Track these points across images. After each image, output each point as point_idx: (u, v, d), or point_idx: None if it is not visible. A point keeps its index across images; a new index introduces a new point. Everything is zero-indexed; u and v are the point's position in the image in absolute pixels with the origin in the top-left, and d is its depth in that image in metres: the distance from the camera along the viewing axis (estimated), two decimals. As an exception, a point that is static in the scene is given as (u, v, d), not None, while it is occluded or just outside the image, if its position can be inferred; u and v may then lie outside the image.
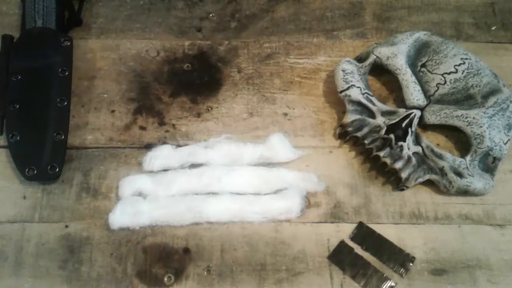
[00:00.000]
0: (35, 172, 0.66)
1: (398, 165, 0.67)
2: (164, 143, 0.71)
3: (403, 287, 0.63)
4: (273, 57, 0.80)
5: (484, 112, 0.67)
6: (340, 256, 0.64)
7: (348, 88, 0.71)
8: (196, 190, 0.67)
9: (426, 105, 0.71)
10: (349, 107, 0.71)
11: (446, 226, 0.67)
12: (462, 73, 0.71)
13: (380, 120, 0.70)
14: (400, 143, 0.68)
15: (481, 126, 0.67)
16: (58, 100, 0.71)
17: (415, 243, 0.66)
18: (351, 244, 0.65)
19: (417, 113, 0.69)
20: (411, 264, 0.64)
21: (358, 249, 0.65)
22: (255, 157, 0.70)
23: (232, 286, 0.62)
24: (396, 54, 0.72)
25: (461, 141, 0.72)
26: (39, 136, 0.68)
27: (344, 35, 0.83)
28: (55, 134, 0.69)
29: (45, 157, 0.67)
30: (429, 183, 0.69)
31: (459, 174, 0.67)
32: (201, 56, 0.80)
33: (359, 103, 0.71)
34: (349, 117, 0.71)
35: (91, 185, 0.68)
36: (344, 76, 0.71)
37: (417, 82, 0.71)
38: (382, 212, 0.68)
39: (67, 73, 0.73)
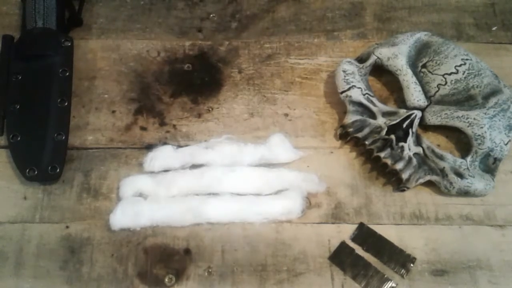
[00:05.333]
0: (36, 172, 0.66)
1: (399, 166, 0.67)
2: (165, 143, 0.71)
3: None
4: (274, 57, 0.80)
5: (485, 113, 0.67)
6: (341, 257, 0.64)
7: (349, 89, 0.71)
8: (196, 191, 0.67)
9: (427, 106, 0.71)
10: (350, 107, 0.71)
11: (447, 227, 0.67)
12: (463, 74, 0.71)
13: (381, 121, 0.70)
14: (401, 143, 0.68)
15: (481, 127, 0.67)
16: (58, 100, 0.71)
17: (416, 244, 0.66)
18: (352, 244, 0.65)
19: (418, 113, 0.69)
20: (412, 264, 0.64)
21: (359, 250, 0.65)
22: (255, 157, 0.69)
23: (233, 286, 0.62)
24: (397, 54, 0.72)
25: (462, 141, 0.72)
26: (40, 137, 0.68)
27: (344, 36, 0.83)
28: (55, 135, 0.68)
29: (46, 158, 0.67)
30: (429, 184, 0.69)
31: (460, 175, 0.67)
32: (202, 57, 0.80)
33: (360, 104, 0.71)
34: (350, 118, 0.71)
35: (92, 186, 0.68)
36: (345, 76, 0.71)
37: (418, 83, 0.71)
38: (383, 213, 0.68)
39: (67, 74, 0.73)
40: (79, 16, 0.81)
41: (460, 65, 0.72)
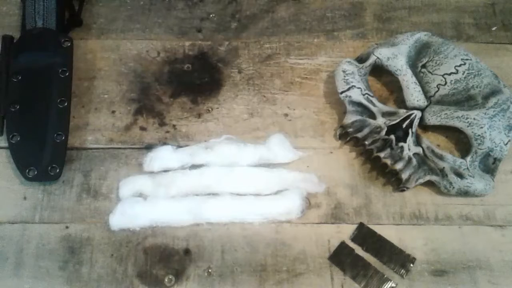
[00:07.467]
0: (36, 172, 0.66)
1: (399, 166, 0.67)
2: (165, 143, 0.71)
3: (403, 288, 0.63)
4: (274, 57, 0.80)
5: (485, 113, 0.67)
6: (341, 257, 0.64)
7: (348, 89, 0.71)
8: (196, 191, 0.67)
9: (427, 106, 0.71)
10: (350, 108, 0.71)
11: (447, 227, 0.67)
12: (463, 74, 0.71)
13: (380, 121, 0.70)
14: (400, 144, 0.68)
15: (481, 127, 0.67)
16: (58, 100, 0.71)
17: (416, 244, 0.66)
18: (352, 245, 0.65)
19: (418, 114, 0.69)
20: (411, 265, 0.64)
21: (358, 250, 0.65)
22: (255, 158, 0.69)
23: (232, 287, 0.62)
24: (397, 54, 0.72)
25: (462, 142, 0.72)
26: (40, 137, 0.68)
27: (344, 36, 0.83)
28: (55, 135, 0.69)
29: (46, 158, 0.67)
30: (429, 184, 0.69)
31: (460, 175, 0.67)
32: (202, 57, 0.80)
33: (359, 104, 0.71)
34: (350, 118, 0.71)
35: (92, 186, 0.68)
36: (344, 77, 0.71)
37: (418, 83, 0.71)
38: (382, 213, 0.68)
39: (67, 74, 0.73)
40: (79, 16, 0.81)
41: (460, 65, 0.71)
